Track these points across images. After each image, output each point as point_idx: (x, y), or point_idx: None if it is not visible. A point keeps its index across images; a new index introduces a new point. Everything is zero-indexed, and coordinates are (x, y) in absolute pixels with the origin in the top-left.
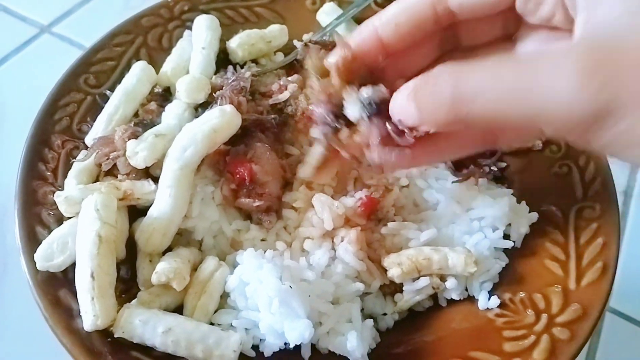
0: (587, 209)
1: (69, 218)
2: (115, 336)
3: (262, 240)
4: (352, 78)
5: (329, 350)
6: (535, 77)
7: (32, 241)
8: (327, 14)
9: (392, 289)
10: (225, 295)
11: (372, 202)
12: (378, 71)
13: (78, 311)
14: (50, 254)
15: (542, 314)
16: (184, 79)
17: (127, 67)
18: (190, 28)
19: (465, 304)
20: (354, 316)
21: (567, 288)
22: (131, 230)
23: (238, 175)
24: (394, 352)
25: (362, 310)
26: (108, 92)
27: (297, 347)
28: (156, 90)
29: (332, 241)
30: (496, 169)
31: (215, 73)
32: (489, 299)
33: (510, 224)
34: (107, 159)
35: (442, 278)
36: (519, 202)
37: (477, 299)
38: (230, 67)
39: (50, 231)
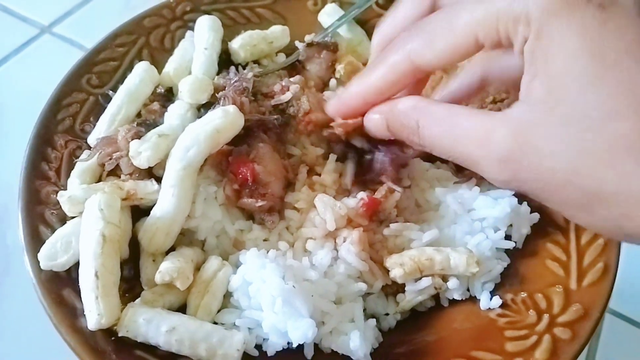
0: None
1: (72, 218)
2: (119, 335)
3: (265, 240)
4: None
5: (332, 350)
6: (470, 141)
7: (35, 240)
8: (328, 15)
9: (394, 289)
10: (228, 295)
11: (374, 202)
12: None
13: (82, 310)
14: (54, 253)
15: (544, 314)
16: (186, 79)
17: (130, 68)
18: (192, 29)
19: (467, 304)
20: (356, 316)
21: (569, 288)
22: (134, 230)
23: (241, 176)
24: (396, 352)
25: (364, 310)
26: (110, 93)
27: (300, 347)
28: (158, 90)
29: (335, 242)
30: None
31: (218, 74)
32: (491, 299)
33: (511, 225)
34: (110, 159)
35: (444, 278)
36: (520, 203)
37: (479, 299)
38: (233, 68)
39: (53, 230)
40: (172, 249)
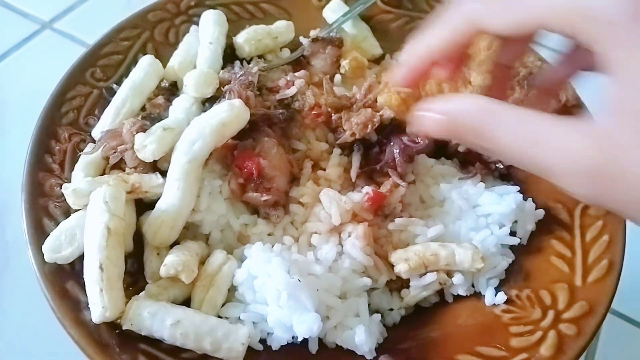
0: (592, 206)
1: (76, 210)
2: (124, 328)
3: (269, 234)
4: None
5: (336, 345)
6: (549, 150)
7: (39, 233)
8: (333, 11)
9: (398, 284)
10: (233, 289)
11: (379, 196)
12: None
13: (86, 303)
14: (59, 245)
15: (549, 310)
16: (192, 73)
17: (134, 61)
18: (196, 23)
19: (472, 300)
20: (361, 310)
21: (574, 285)
22: (138, 224)
23: (246, 170)
24: (401, 347)
25: (369, 305)
26: (115, 86)
27: (305, 341)
28: (163, 84)
29: (340, 236)
30: (502, 167)
31: (222, 68)
32: (496, 295)
33: (516, 221)
34: (115, 152)
35: (449, 274)
36: (525, 199)
37: (484, 295)
38: (238, 62)
39: (57, 223)
40: (177, 242)
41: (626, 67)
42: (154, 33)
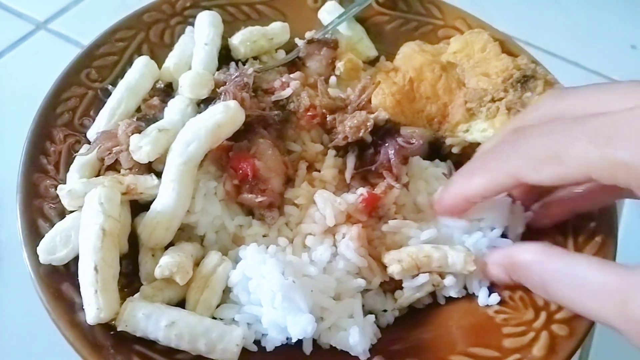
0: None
1: (71, 212)
2: (118, 329)
3: (264, 236)
4: None
5: (330, 346)
6: (601, 300)
7: (33, 234)
8: (328, 13)
9: (392, 285)
10: (227, 290)
11: (373, 198)
12: None
13: (80, 305)
14: (53, 247)
15: (541, 311)
16: (187, 74)
17: (129, 62)
18: (192, 24)
19: (465, 302)
20: (355, 312)
21: None
22: (133, 225)
23: (241, 171)
24: (394, 348)
25: (363, 306)
26: (110, 87)
27: (299, 342)
28: (158, 85)
29: (334, 238)
30: None
31: (217, 70)
32: (489, 295)
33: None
34: (110, 154)
35: (442, 276)
36: (514, 202)
37: (477, 297)
38: (233, 64)
39: (52, 224)
40: (171, 244)
41: None
42: (149, 34)
